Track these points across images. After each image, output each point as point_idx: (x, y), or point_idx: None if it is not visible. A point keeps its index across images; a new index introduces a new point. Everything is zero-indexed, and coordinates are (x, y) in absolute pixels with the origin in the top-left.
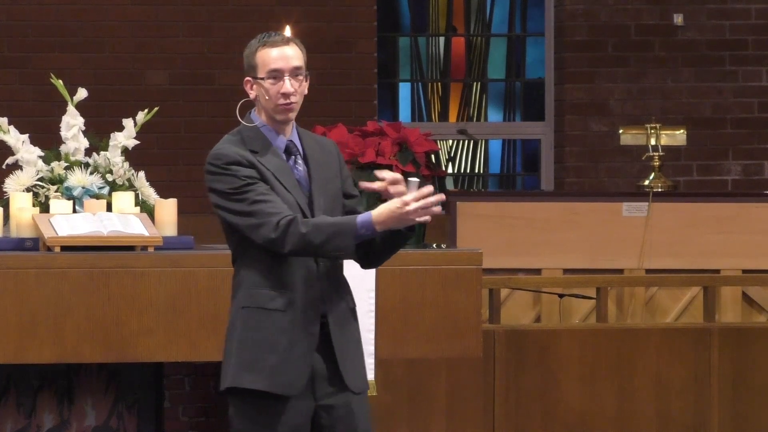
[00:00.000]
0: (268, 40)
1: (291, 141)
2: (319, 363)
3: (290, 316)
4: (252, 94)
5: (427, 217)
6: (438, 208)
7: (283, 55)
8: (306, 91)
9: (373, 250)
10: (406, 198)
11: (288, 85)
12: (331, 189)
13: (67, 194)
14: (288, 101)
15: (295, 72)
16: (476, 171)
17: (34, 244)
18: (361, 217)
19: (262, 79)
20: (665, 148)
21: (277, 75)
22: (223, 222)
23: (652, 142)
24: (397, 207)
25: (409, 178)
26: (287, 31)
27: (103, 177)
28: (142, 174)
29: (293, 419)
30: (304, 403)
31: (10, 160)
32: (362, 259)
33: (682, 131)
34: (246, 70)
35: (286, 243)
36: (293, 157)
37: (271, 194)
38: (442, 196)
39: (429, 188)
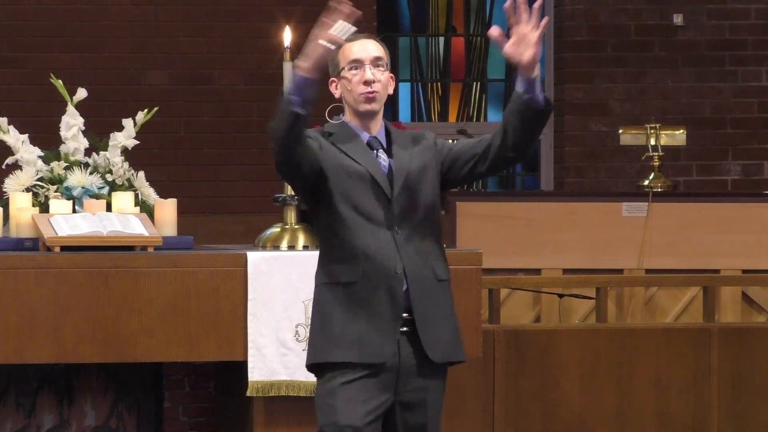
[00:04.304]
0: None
1: (375, 137)
2: (406, 335)
3: (367, 287)
4: (337, 94)
5: (340, 41)
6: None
7: (363, 47)
8: (391, 86)
9: (511, 127)
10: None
11: (368, 73)
12: (421, 179)
13: (67, 194)
14: (370, 89)
15: (375, 62)
16: None
17: (34, 244)
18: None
19: (344, 70)
20: (665, 148)
21: (358, 65)
22: (304, 200)
23: (652, 142)
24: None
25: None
26: (287, 32)
27: (103, 177)
28: (141, 174)
29: (377, 397)
30: (388, 376)
31: (9, 160)
32: (504, 141)
33: (681, 131)
34: (330, 73)
35: (273, 146)
36: (375, 150)
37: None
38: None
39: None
